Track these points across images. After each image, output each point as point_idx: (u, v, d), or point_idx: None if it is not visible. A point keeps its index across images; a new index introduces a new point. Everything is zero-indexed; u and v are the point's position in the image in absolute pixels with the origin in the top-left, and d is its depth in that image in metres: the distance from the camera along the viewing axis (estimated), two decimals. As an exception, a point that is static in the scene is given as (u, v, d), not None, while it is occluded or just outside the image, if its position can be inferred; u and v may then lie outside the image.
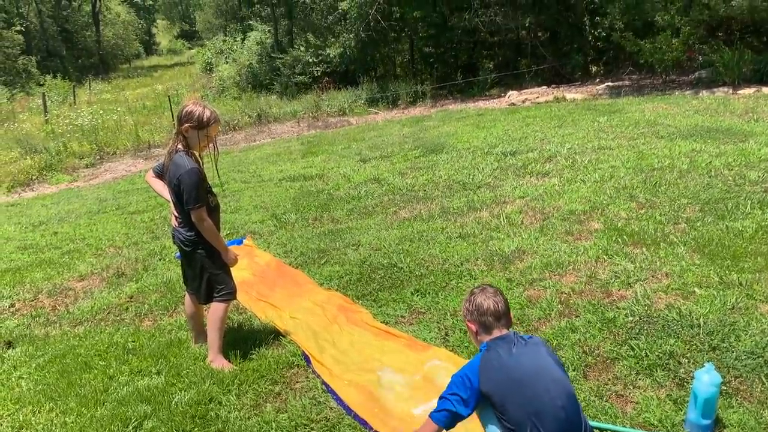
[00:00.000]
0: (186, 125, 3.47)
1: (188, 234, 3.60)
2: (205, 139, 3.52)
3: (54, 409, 3.49)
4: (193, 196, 3.44)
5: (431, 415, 2.45)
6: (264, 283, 5.05)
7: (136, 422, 3.25)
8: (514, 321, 2.85)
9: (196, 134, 3.48)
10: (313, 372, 3.60)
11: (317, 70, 20.12)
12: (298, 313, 4.39)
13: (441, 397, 2.45)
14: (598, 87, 14.81)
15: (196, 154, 3.56)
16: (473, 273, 4.68)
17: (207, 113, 3.50)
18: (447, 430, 2.45)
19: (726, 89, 12.00)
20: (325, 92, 18.44)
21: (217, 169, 3.69)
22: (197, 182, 3.45)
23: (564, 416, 2.27)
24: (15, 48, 33.84)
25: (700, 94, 11.93)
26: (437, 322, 4.03)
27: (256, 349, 3.91)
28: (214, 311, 3.75)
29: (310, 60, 20.23)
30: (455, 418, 2.42)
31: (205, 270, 3.70)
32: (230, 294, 3.78)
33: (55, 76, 30.07)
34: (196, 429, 3.12)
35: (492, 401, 2.34)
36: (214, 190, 3.74)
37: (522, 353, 2.40)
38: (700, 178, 6.20)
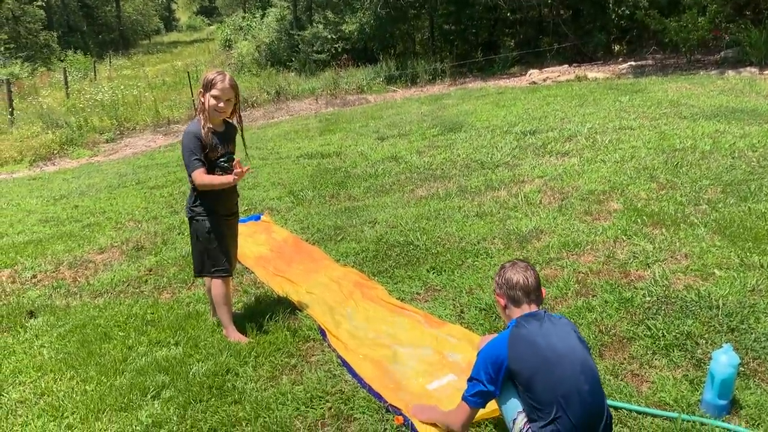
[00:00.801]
0: (200, 90, 3.55)
1: (191, 203, 3.65)
2: (214, 102, 3.47)
3: (75, 377, 3.55)
4: (186, 160, 3.48)
5: (465, 399, 2.46)
6: (281, 258, 5.08)
7: (155, 391, 3.30)
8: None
9: (206, 98, 3.48)
10: (329, 346, 3.63)
11: (336, 47, 20.00)
12: (314, 288, 4.42)
13: (470, 379, 2.45)
14: (620, 66, 14.57)
15: (207, 121, 3.51)
16: (490, 252, 4.67)
17: (211, 75, 3.51)
18: (481, 408, 2.46)
19: (752, 69, 11.74)
20: (344, 69, 18.35)
21: (243, 139, 3.76)
22: (191, 146, 3.45)
23: (590, 401, 2.25)
24: (37, 23, 34.02)
25: (726, 74, 11.69)
26: (453, 300, 4.03)
27: (273, 322, 3.94)
28: (214, 288, 3.79)
29: (329, 37, 20.10)
30: (487, 398, 2.42)
31: (200, 241, 3.69)
32: (224, 272, 3.74)
33: (75, 52, 30.29)
34: (213, 399, 3.17)
35: (519, 379, 2.33)
36: (241, 161, 3.64)
37: (551, 332, 2.37)
38: (723, 159, 6.10)
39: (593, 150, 7.03)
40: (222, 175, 3.59)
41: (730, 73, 11.80)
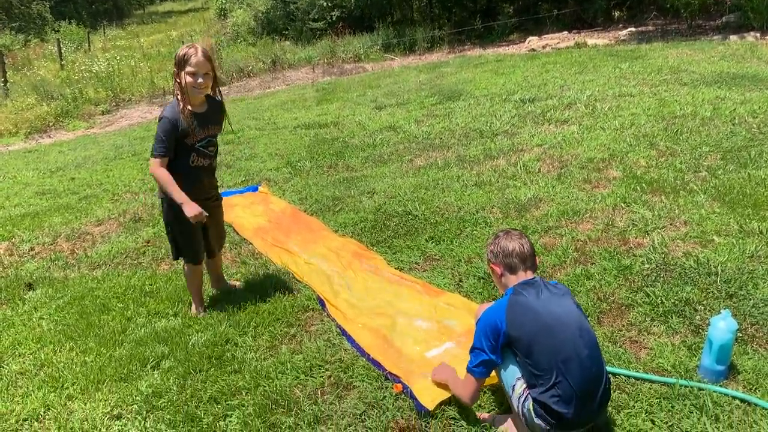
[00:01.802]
0: (174, 69, 3.34)
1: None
2: (191, 79, 3.26)
3: (74, 348, 3.56)
4: (154, 144, 3.32)
5: (470, 370, 2.46)
6: (279, 229, 5.06)
7: (154, 362, 3.31)
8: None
9: (182, 77, 3.28)
10: (328, 315, 3.64)
11: (333, 15, 19.71)
12: (313, 258, 4.41)
13: (473, 349, 2.45)
14: (620, 32, 14.38)
15: (186, 103, 3.32)
16: (488, 221, 4.65)
17: (182, 51, 3.29)
18: (487, 377, 2.48)
19: (755, 34, 11.59)
20: (341, 38, 18.11)
21: (211, 119, 3.49)
22: (161, 133, 3.28)
23: (589, 365, 2.25)
24: (28, -7, 33.45)
25: (727, 40, 11.54)
26: (451, 269, 4.02)
27: (272, 292, 3.94)
28: (184, 268, 3.77)
29: (325, 4, 19.80)
30: (491, 366, 2.43)
31: (169, 227, 3.61)
32: (192, 261, 3.68)
33: (69, 22, 29.83)
34: (212, 369, 3.18)
35: (518, 345, 2.33)
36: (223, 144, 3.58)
37: (549, 299, 2.37)
38: (723, 125, 6.05)
39: (593, 117, 6.97)
40: (199, 160, 3.46)
41: (732, 38, 11.65)
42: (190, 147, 3.40)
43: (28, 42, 25.91)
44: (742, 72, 8.27)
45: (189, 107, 3.33)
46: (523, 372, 2.36)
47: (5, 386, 3.25)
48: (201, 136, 3.42)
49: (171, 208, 3.41)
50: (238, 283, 4.12)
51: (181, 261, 3.76)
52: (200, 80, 3.28)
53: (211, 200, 3.66)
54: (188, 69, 3.25)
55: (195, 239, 3.62)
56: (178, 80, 3.30)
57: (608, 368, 2.69)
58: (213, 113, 3.50)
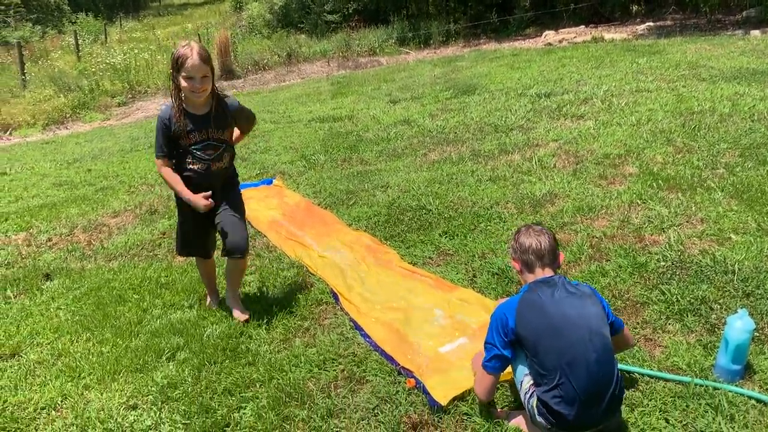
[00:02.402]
0: (171, 71, 3.16)
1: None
2: (188, 84, 3.08)
3: (91, 339, 3.61)
4: (155, 143, 3.27)
5: (484, 366, 2.46)
6: (293, 222, 5.08)
7: (170, 353, 3.34)
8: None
9: (177, 79, 3.11)
10: (341, 309, 3.65)
11: (348, 8, 19.68)
12: (326, 252, 4.42)
13: (486, 343, 2.46)
14: (638, 27, 14.23)
15: (180, 104, 3.18)
16: (503, 216, 4.63)
17: (178, 51, 3.08)
18: (500, 373, 2.47)
19: (775, 30, 11.43)
20: (356, 31, 18.08)
21: (213, 122, 3.27)
22: (157, 134, 3.22)
23: (596, 370, 2.23)
24: (46, -15, 33.66)
25: (747, 35, 11.38)
26: (465, 264, 4.02)
27: (286, 285, 3.96)
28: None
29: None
30: (504, 362, 2.42)
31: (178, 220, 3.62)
32: (182, 253, 3.76)
33: (86, 14, 30.00)
34: (227, 361, 3.20)
35: (525, 343, 2.33)
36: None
37: (564, 299, 2.34)
38: (742, 122, 5.98)
39: (609, 113, 6.92)
40: (195, 164, 3.30)
41: (753, 33, 11.48)
42: (185, 149, 3.27)
43: (45, 34, 26.10)
44: (763, 68, 8.16)
45: (185, 108, 3.19)
46: (530, 369, 2.35)
47: (23, 375, 3.30)
48: (196, 139, 3.24)
49: (179, 199, 3.41)
50: (244, 317, 3.60)
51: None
52: (197, 85, 3.11)
53: (217, 209, 3.44)
54: (185, 73, 3.07)
55: (192, 234, 3.57)
56: (174, 80, 3.15)
57: (622, 366, 2.68)
58: (218, 115, 3.29)
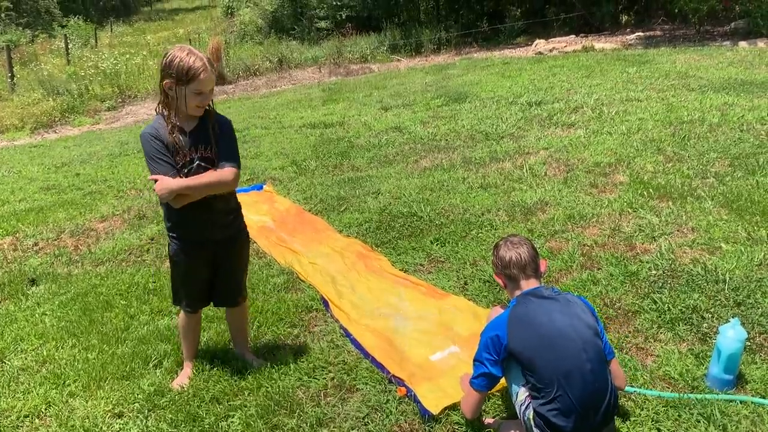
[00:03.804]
0: (167, 80, 2.61)
1: (163, 218, 2.94)
2: (198, 99, 2.63)
3: (76, 345, 3.55)
4: (150, 167, 2.68)
5: (471, 382, 2.42)
6: (283, 228, 5.04)
7: (156, 360, 3.30)
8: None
9: (182, 91, 2.59)
10: (332, 316, 3.61)
11: (340, 15, 19.72)
12: (317, 258, 4.39)
13: (474, 361, 2.42)
14: (628, 37, 14.34)
15: (174, 118, 2.69)
16: (494, 223, 4.62)
17: (186, 62, 2.56)
18: (488, 391, 2.44)
19: (764, 41, 11.53)
20: (347, 38, 18.11)
21: (210, 133, 2.76)
22: (151, 151, 2.65)
23: (591, 379, 2.21)
24: (36, -12, 33.52)
25: (736, 46, 11.49)
26: (456, 271, 4.00)
27: (275, 292, 3.93)
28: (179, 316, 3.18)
29: (334, 3, 19.80)
30: (493, 380, 2.39)
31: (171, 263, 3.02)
32: (186, 307, 3.06)
33: (77, 18, 29.90)
34: (215, 368, 3.15)
35: (520, 359, 2.29)
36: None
37: (553, 310, 2.32)
38: (731, 132, 6.02)
39: (599, 122, 6.94)
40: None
41: (741, 44, 11.60)
42: (185, 165, 2.73)
43: (35, 37, 25.97)
44: (751, 78, 8.23)
45: (176, 122, 2.69)
46: (526, 382, 2.33)
47: (7, 382, 3.24)
48: (189, 157, 2.72)
49: (172, 242, 2.90)
50: (256, 362, 3.21)
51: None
52: (206, 100, 2.69)
53: (219, 242, 2.92)
54: (195, 87, 2.59)
55: (194, 283, 2.99)
56: (172, 93, 2.63)
57: (632, 389, 2.65)
58: (204, 128, 2.76)
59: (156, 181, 2.65)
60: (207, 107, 2.75)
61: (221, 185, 2.73)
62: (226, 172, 2.72)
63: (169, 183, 2.63)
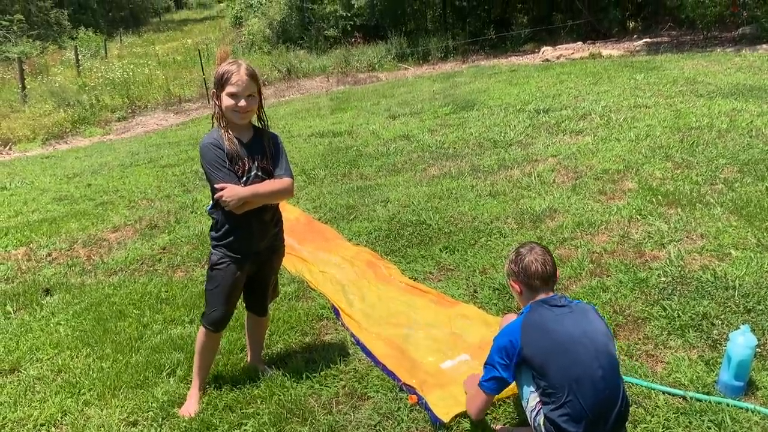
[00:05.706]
0: (213, 90, 2.77)
1: (210, 230, 2.93)
2: (232, 102, 2.68)
3: (91, 354, 3.59)
4: (209, 176, 2.74)
5: (480, 385, 2.44)
6: (293, 237, 5.07)
7: (170, 369, 3.33)
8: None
9: (222, 99, 2.71)
10: (342, 325, 3.64)
11: (347, 24, 19.84)
12: (327, 267, 4.42)
13: (486, 364, 2.44)
14: (635, 43, 14.37)
15: (228, 131, 2.75)
16: (503, 231, 4.64)
17: (222, 67, 2.70)
18: (496, 394, 2.46)
19: (771, 46, 11.53)
20: (355, 47, 18.21)
21: (265, 145, 2.85)
22: (211, 158, 2.70)
23: (603, 386, 2.22)
24: (48, 1, 33.88)
25: (743, 52, 11.48)
26: (466, 279, 4.02)
27: (286, 301, 3.96)
28: (198, 333, 3.05)
29: (342, 13, 19.93)
30: (502, 384, 2.41)
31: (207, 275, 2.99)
32: (206, 321, 2.95)
33: (87, 30, 30.18)
34: (227, 376, 3.19)
35: (532, 364, 2.31)
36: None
37: (566, 317, 2.34)
38: (740, 138, 6.02)
39: (607, 128, 6.95)
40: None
41: (748, 50, 11.59)
42: (243, 174, 2.77)
43: (45, 49, 26.23)
44: (759, 84, 8.23)
45: (232, 135, 2.75)
46: (537, 387, 2.34)
47: (23, 391, 3.28)
48: (247, 167, 2.77)
49: (214, 253, 2.89)
50: (268, 371, 3.23)
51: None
52: (242, 103, 2.70)
53: (262, 253, 2.96)
54: (229, 89, 2.67)
55: (232, 291, 2.92)
56: (218, 102, 2.74)
57: (628, 378, 2.66)
58: (260, 142, 2.85)
59: (219, 189, 2.69)
60: (261, 120, 2.88)
61: (284, 193, 2.85)
62: (287, 181, 2.84)
63: (238, 190, 2.69)
